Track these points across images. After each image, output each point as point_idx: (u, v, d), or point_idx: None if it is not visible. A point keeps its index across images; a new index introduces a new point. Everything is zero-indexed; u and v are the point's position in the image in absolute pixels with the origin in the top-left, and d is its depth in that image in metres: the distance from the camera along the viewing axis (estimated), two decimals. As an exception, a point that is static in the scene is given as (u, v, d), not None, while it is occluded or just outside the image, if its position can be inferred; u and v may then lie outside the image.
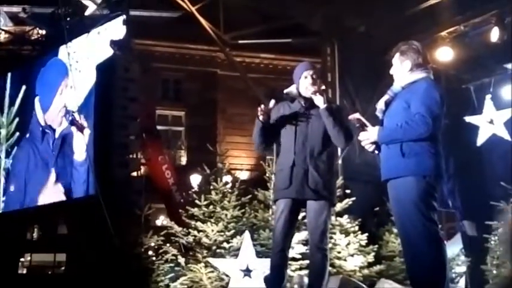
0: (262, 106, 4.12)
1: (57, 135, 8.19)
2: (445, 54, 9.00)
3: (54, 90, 8.37)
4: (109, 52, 7.16)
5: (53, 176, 8.13)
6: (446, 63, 9.14)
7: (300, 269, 6.78)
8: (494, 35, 8.56)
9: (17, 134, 9.06)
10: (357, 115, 3.69)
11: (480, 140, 9.48)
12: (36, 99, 8.77)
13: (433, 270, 3.35)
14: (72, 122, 7.79)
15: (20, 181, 8.75)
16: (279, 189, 4.17)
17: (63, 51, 7.96)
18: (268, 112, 4.12)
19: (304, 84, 4.19)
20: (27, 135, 8.84)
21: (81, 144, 7.54)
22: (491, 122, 9.38)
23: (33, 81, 8.95)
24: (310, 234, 4.14)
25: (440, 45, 8.99)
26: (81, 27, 8.00)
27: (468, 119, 9.59)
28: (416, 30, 8.29)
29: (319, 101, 4.09)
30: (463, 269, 8.74)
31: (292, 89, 4.30)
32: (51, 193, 8.12)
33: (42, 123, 8.43)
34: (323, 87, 4.20)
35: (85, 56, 7.57)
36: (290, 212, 4.09)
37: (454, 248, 8.77)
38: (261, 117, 4.11)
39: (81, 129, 7.51)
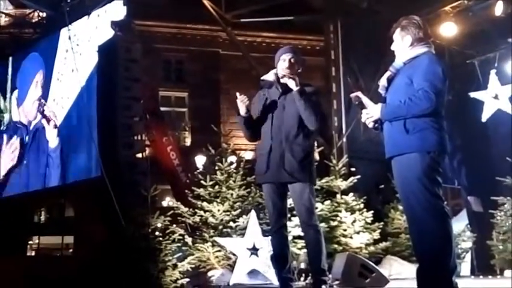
0: (242, 97, 4.18)
1: (31, 127, 8.26)
2: (448, 29, 8.92)
3: (29, 83, 8.42)
4: (110, 33, 7.11)
5: (25, 167, 8.25)
6: (450, 39, 9.07)
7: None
8: (499, 8, 8.47)
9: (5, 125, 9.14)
10: (356, 93, 3.68)
11: (485, 115, 9.44)
12: (14, 94, 8.82)
13: (439, 246, 3.35)
14: (43, 113, 7.86)
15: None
16: (258, 174, 4.24)
17: (64, 34, 7.93)
18: (246, 103, 4.18)
19: (280, 67, 4.24)
20: (2, 128, 8.94)
21: (52, 134, 7.64)
22: (496, 97, 9.35)
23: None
24: (298, 214, 4.24)
25: (444, 20, 8.91)
26: (81, 9, 7.95)
27: (473, 94, 9.55)
28: (420, 5, 8.21)
29: (292, 84, 4.14)
30: (469, 244, 8.77)
31: (269, 75, 4.34)
32: (5, 160, 8.24)
33: (15, 119, 8.51)
34: (299, 70, 4.24)
35: (86, 38, 7.53)
36: (275, 194, 4.17)
37: (459, 223, 8.79)
38: (242, 110, 4.17)
39: (48, 120, 7.59)
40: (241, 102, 4.17)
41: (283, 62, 4.25)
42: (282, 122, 4.16)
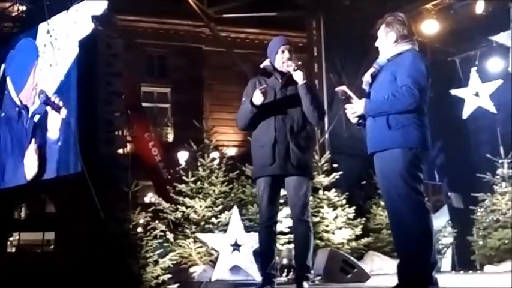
0: (261, 87, 4.04)
1: (30, 114, 8.11)
2: (430, 26, 8.99)
3: (27, 70, 8.26)
4: (89, 28, 7.01)
5: (29, 150, 8.09)
6: (432, 36, 9.13)
7: (289, 242, 6.83)
8: (480, 7, 8.55)
9: (-1, 111, 8.93)
10: (342, 87, 3.68)
11: (466, 112, 9.53)
12: (8, 80, 8.65)
13: (420, 241, 3.37)
14: (47, 102, 7.70)
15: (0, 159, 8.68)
16: (261, 166, 4.14)
17: (42, 28, 7.81)
18: (266, 93, 4.04)
19: (281, 58, 4.16)
20: (2, 115, 8.75)
21: (55, 123, 7.49)
22: (476, 94, 9.43)
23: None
24: (292, 208, 4.17)
25: (425, 17, 8.98)
26: (61, 3, 7.84)
27: (454, 92, 9.63)
28: (402, 3, 8.25)
29: (299, 76, 4.06)
30: (449, 240, 8.87)
31: (267, 64, 4.27)
32: (28, 167, 8.07)
33: (18, 103, 8.35)
34: (299, 62, 4.16)
35: (64, 33, 7.42)
36: (271, 188, 4.12)
37: (440, 219, 8.89)
38: (259, 99, 4.01)
39: (57, 109, 7.43)
40: (260, 91, 4.01)
41: (282, 54, 4.16)
42: (286, 114, 4.08)
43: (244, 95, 4.26)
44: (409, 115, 3.45)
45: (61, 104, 7.37)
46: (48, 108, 7.63)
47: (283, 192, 4.27)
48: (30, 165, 7.90)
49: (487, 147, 8.73)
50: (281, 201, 4.47)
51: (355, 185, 9.14)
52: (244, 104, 4.18)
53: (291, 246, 6.60)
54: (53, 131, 7.50)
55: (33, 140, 7.87)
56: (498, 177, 8.20)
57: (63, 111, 7.30)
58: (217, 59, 15.92)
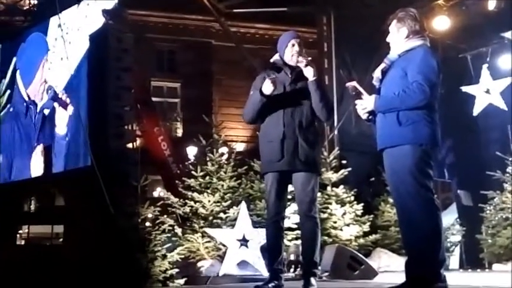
0: (271, 77, 4.02)
1: (38, 109, 8.15)
2: (442, 23, 8.94)
3: (36, 65, 8.28)
4: (100, 23, 7.03)
5: (36, 151, 8.14)
6: (443, 32, 9.08)
7: (296, 238, 6.84)
8: (492, 3, 8.50)
9: (8, 106, 8.98)
10: (353, 83, 3.66)
11: (476, 109, 9.48)
12: (17, 74, 8.70)
13: (429, 239, 3.36)
14: (54, 98, 7.74)
15: (7, 155, 8.73)
16: (269, 162, 4.11)
17: (53, 22, 7.84)
18: (275, 83, 4.03)
19: (291, 52, 4.12)
20: (11, 110, 8.80)
21: (63, 119, 7.53)
22: (487, 91, 9.39)
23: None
24: (299, 204, 4.15)
25: (437, 14, 8.92)
26: (72, -3, 7.87)
27: (465, 88, 9.58)
28: (413, -1, 8.19)
29: (309, 72, 4.02)
30: (458, 238, 8.85)
31: (277, 58, 4.24)
32: (34, 167, 8.13)
33: (26, 98, 8.40)
34: (310, 58, 4.12)
35: (75, 27, 7.44)
36: (279, 184, 4.10)
37: (449, 217, 8.86)
38: (271, 88, 3.99)
39: (64, 105, 7.47)
40: (270, 80, 3.98)
41: (292, 47, 4.12)
42: (294, 109, 4.06)
43: (252, 88, 4.23)
44: (419, 111, 3.43)
45: (68, 101, 7.42)
46: (56, 104, 7.67)
47: (291, 187, 4.26)
48: (36, 167, 7.96)
49: (497, 144, 8.69)
50: (289, 197, 4.46)
51: (364, 181, 9.14)
52: (252, 96, 4.15)
53: (299, 242, 6.61)
54: (61, 126, 7.54)
55: (41, 139, 7.92)
56: (508, 175, 8.16)
57: (70, 108, 7.34)
58: (227, 54, 15.90)
